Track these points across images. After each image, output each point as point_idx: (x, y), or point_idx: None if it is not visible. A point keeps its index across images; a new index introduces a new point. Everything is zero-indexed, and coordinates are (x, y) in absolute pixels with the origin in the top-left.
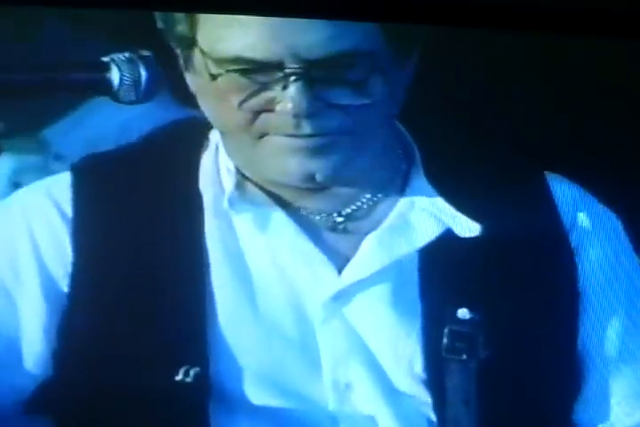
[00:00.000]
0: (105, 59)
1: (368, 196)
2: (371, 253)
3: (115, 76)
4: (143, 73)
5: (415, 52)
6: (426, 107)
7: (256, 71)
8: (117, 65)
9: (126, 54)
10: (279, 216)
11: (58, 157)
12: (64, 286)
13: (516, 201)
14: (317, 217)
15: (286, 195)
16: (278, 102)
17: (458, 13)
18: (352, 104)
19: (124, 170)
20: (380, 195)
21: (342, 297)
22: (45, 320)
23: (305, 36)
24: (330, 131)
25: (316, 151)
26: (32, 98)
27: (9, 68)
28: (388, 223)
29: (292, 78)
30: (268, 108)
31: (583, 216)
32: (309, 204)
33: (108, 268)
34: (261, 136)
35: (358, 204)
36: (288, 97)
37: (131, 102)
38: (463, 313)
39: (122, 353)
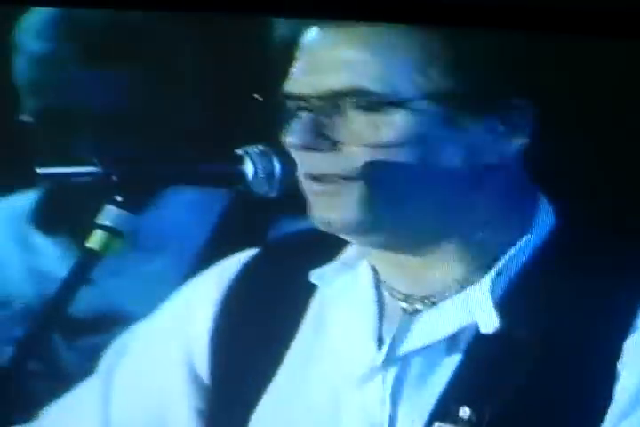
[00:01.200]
0: (239, 151)
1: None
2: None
3: (249, 168)
4: (277, 166)
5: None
6: None
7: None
8: (251, 158)
9: (260, 147)
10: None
11: None
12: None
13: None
14: (402, 303)
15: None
16: (286, 134)
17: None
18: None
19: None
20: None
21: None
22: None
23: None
24: (335, 173)
25: (327, 195)
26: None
27: (151, 159)
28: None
29: (304, 109)
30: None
31: None
32: (400, 285)
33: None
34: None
35: (446, 294)
36: (296, 129)
37: (264, 195)
38: (464, 412)
39: None
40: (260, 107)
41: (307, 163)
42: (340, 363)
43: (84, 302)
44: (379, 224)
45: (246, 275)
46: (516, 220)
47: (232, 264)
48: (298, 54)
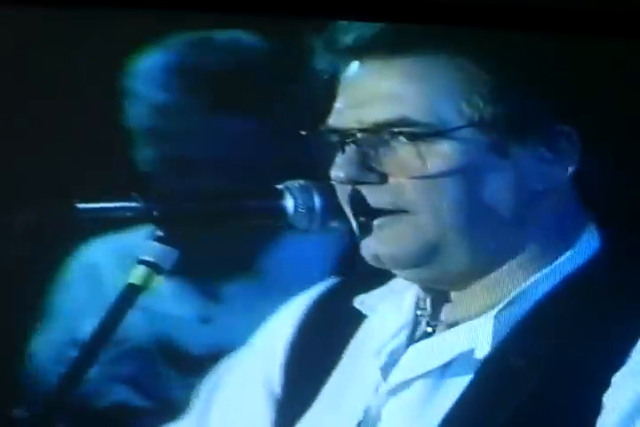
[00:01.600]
0: (279, 186)
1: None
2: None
3: (289, 203)
4: (317, 201)
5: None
6: None
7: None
8: (292, 193)
9: (301, 182)
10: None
11: None
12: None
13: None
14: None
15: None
16: (332, 168)
17: None
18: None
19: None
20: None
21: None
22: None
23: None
24: (384, 206)
25: (377, 229)
26: (211, 225)
27: (192, 194)
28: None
29: (349, 143)
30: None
31: None
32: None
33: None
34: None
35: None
36: (341, 162)
37: (305, 230)
38: None
39: None
40: (304, 141)
41: (354, 197)
42: (365, 387)
43: (201, 338)
44: (427, 258)
45: (315, 307)
46: (561, 247)
47: (305, 297)
48: (340, 89)
